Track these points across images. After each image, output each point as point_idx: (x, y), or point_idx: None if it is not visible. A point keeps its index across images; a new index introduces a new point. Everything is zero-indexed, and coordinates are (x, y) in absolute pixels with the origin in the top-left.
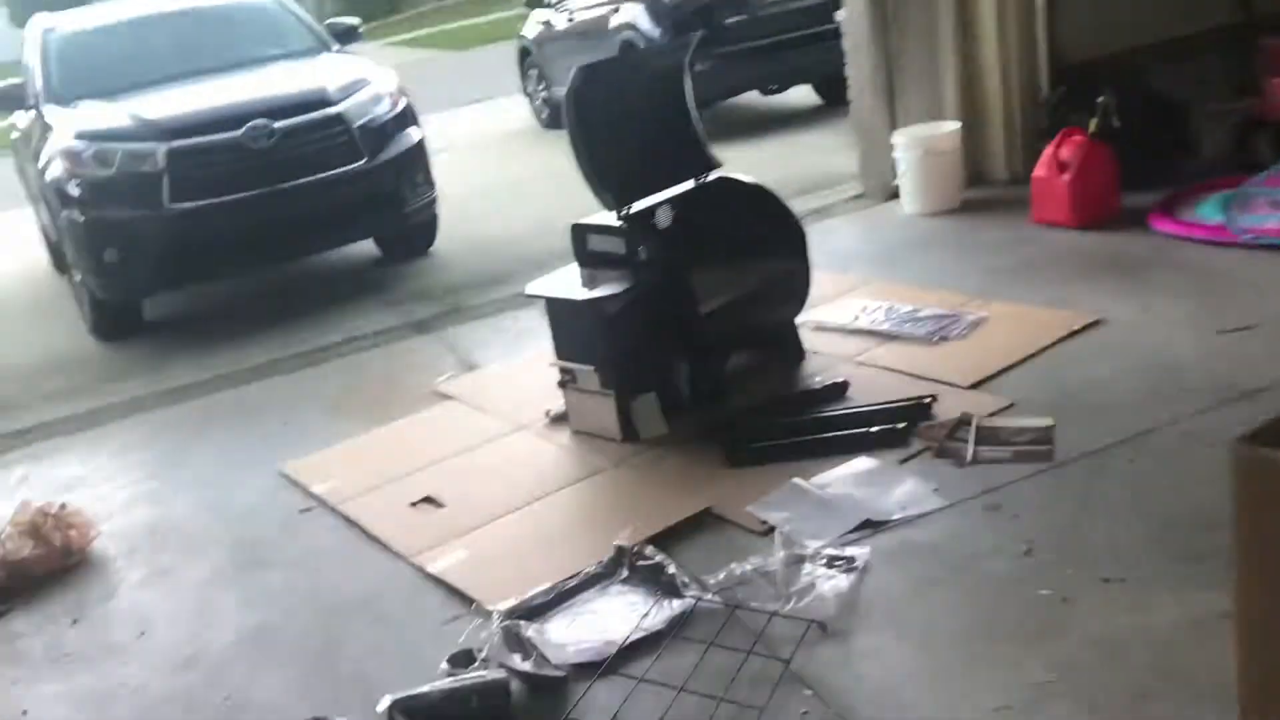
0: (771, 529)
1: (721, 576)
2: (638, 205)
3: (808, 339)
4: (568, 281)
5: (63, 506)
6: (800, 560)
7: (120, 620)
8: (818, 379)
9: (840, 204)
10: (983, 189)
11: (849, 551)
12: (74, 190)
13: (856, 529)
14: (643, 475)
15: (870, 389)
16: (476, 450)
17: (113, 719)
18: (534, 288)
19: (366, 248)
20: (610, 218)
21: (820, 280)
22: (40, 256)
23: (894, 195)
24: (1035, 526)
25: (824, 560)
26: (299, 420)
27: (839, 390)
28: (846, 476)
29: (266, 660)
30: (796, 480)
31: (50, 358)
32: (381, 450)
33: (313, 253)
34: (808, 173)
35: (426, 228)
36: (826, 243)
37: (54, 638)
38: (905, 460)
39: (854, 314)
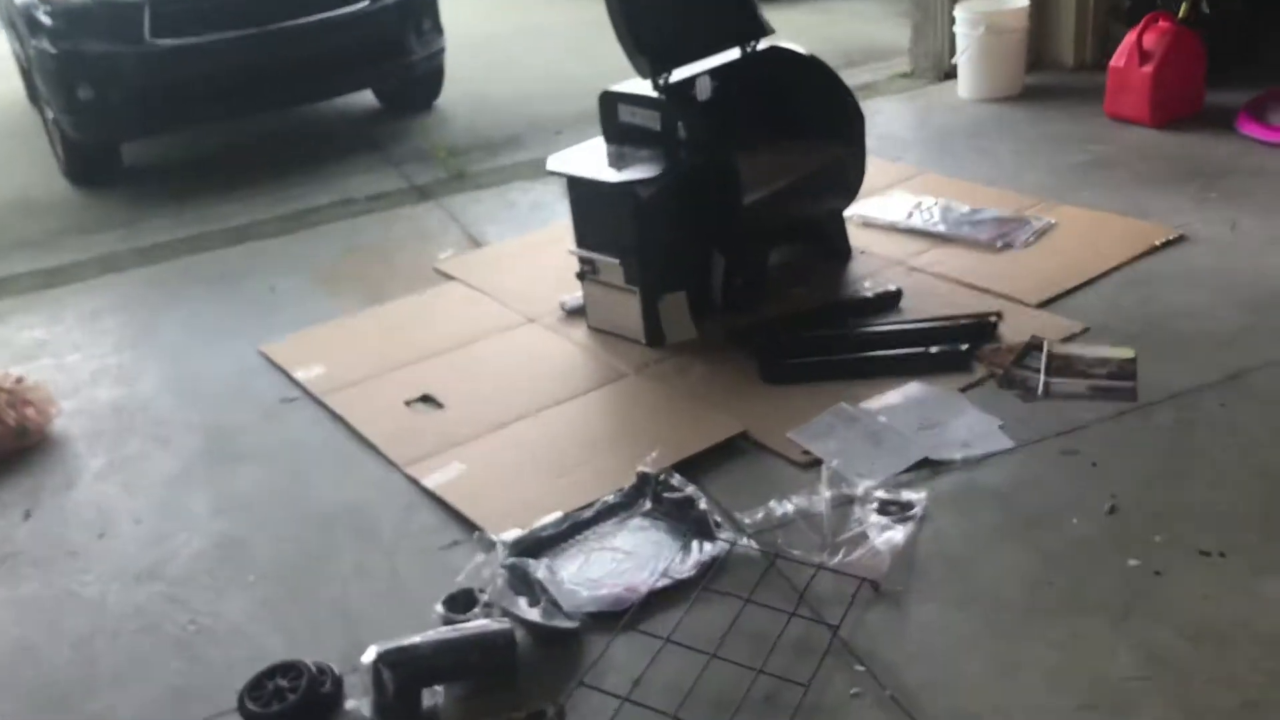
0: (815, 462)
1: (759, 516)
2: (677, 74)
3: (854, 235)
4: (594, 158)
5: (20, 380)
6: (849, 502)
7: (78, 516)
8: (866, 285)
9: (886, 82)
10: (1045, 75)
11: (905, 495)
12: (44, 18)
13: (912, 468)
14: (668, 386)
15: (925, 300)
16: (480, 343)
17: (63, 635)
18: (556, 163)
19: (365, 98)
20: (645, 87)
21: (868, 169)
22: (15, 85)
23: (948, 76)
24: (1118, 479)
25: (875, 504)
26: (285, 291)
27: (891, 300)
28: (900, 404)
29: (237, 577)
30: (844, 405)
31: (19, 200)
32: (374, 334)
33: (307, 102)
34: (848, 44)
35: (431, 80)
36: (873, 125)
37: (4, 533)
38: (967, 388)
39: (906, 210)
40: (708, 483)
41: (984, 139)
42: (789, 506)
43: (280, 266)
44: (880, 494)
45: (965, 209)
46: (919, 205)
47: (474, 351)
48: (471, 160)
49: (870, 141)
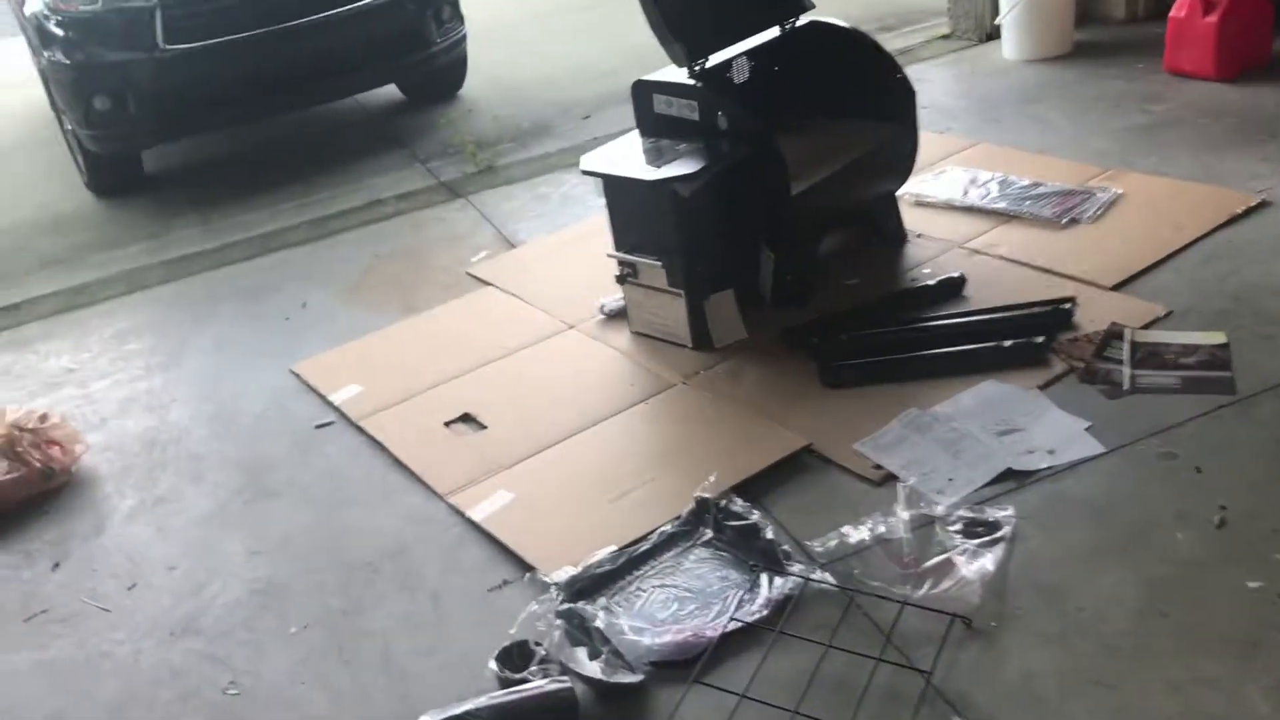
0: (889, 477)
1: (832, 544)
2: (715, 58)
3: (908, 217)
4: (630, 155)
5: (43, 418)
6: (929, 523)
7: (108, 565)
8: (926, 271)
9: (924, 46)
10: (1095, 30)
11: (991, 513)
12: (55, 29)
13: (995, 480)
14: (720, 395)
15: (990, 286)
16: (519, 354)
17: (97, 704)
18: (591, 162)
19: (388, 92)
20: (680, 74)
21: None
22: (40, 95)
23: (991, 37)
24: (1225, 486)
25: (959, 525)
26: (316, 304)
27: (954, 288)
28: (975, 406)
29: (277, 629)
30: (914, 410)
31: (44, 215)
32: (409, 349)
33: (328, 100)
34: (881, 6)
35: (454, 69)
36: (917, 93)
37: (32, 587)
38: (1046, 385)
39: (961, 186)
40: (772, 505)
41: (1036, 103)
42: (864, 532)
43: (310, 277)
44: (964, 513)
45: (1025, 182)
46: (974, 180)
47: (513, 364)
48: (500, 153)
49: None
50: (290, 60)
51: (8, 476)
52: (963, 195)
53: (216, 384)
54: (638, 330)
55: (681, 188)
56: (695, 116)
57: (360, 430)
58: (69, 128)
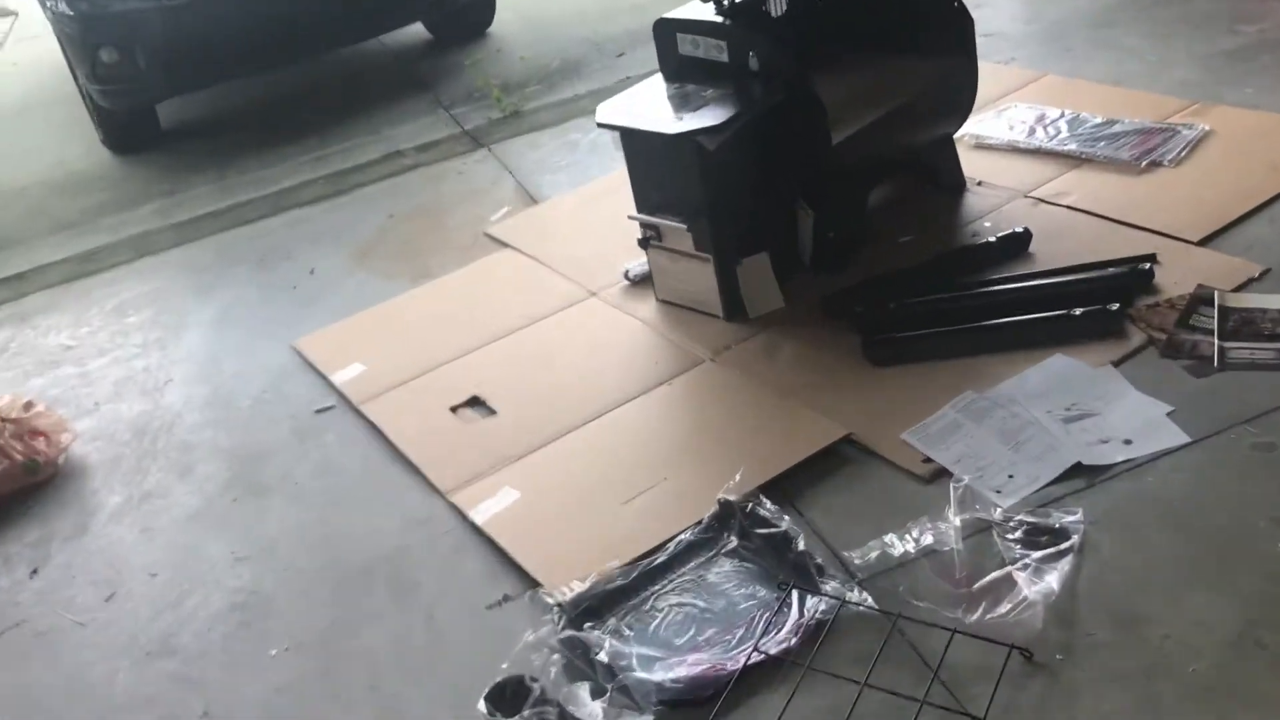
0: (940, 472)
1: (873, 556)
2: None
3: (967, 161)
4: (650, 104)
5: (28, 406)
6: (985, 529)
7: (88, 571)
8: (986, 225)
9: None
10: None
11: (1056, 519)
12: None
13: (1062, 476)
14: (752, 374)
15: (1059, 241)
16: (535, 326)
17: None
18: (607, 113)
19: (414, 30)
20: (708, 10)
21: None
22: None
23: None
24: None
25: (1020, 532)
26: (325, 271)
27: (1018, 245)
28: (1038, 386)
29: (257, 650)
30: (970, 392)
31: (59, 174)
32: (418, 321)
33: (349, 44)
34: None
35: (482, 6)
36: (975, 20)
37: (8, 597)
38: (1121, 360)
39: (1027, 126)
40: (806, 506)
41: (1110, 27)
42: (909, 542)
43: (321, 240)
44: (1025, 517)
45: (1098, 120)
46: (1042, 119)
47: (528, 337)
48: (527, 96)
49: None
50: (307, 4)
51: None
52: (1028, 136)
53: (215, 362)
54: (664, 298)
55: (707, 140)
56: (724, 58)
57: (361, 415)
58: (81, 83)
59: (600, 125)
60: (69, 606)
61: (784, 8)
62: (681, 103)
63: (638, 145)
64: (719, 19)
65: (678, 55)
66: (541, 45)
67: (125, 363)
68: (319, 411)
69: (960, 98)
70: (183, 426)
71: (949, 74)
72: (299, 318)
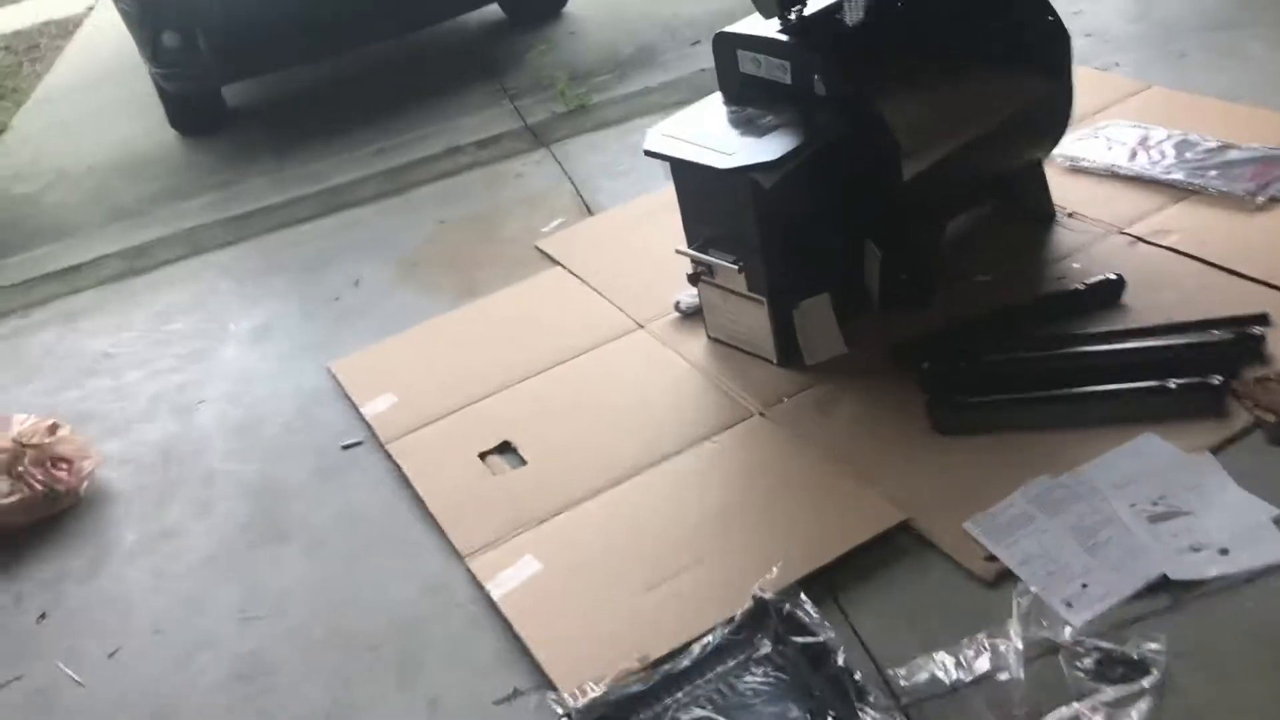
0: (1003, 574)
1: (921, 679)
2: (812, 4)
3: (1058, 186)
4: (705, 128)
5: (53, 429)
6: (1050, 651)
7: (96, 619)
8: (1075, 266)
9: None
10: None
11: (1134, 646)
12: None
13: (1144, 590)
14: (803, 435)
15: (1157, 291)
16: (577, 360)
17: None
18: (656, 141)
19: (488, 9)
20: (773, 24)
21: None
22: None
23: None
24: None
25: (1091, 659)
26: (369, 283)
27: (1109, 293)
28: (1122, 474)
29: None
30: (1044, 479)
31: (125, 154)
32: (457, 347)
33: (419, 28)
34: None
35: None
36: (1073, 21)
37: (17, 640)
38: (1220, 446)
39: (1128, 148)
40: (851, 606)
41: (1230, 30)
42: (963, 668)
43: (371, 245)
44: (1099, 641)
45: (1211, 143)
46: (1145, 140)
47: (568, 373)
48: (595, 87)
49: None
50: None
51: (9, 499)
52: (1129, 160)
53: (250, 382)
54: (716, 336)
55: (763, 178)
56: (788, 79)
57: (387, 453)
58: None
59: (648, 154)
60: (71, 660)
61: (861, 14)
62: (740, 129)
63: (688, 177)
64: (783, 36)
65: (739, 74)
66: (616, 29)
67: (162, 375)
68: (346, 447)
69: (1052, 121)
70: (209, 454)
71: (1040, 96)
72: (338, 335)
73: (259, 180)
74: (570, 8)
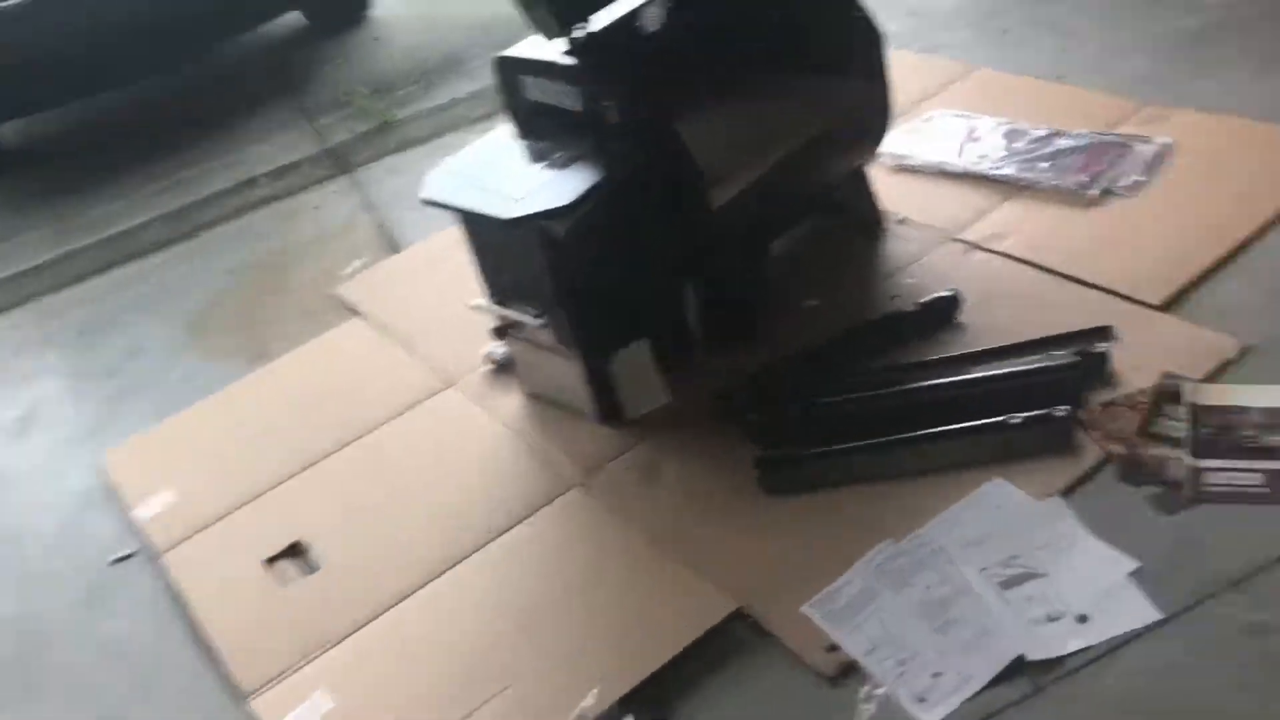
0: (847, 668)
1: None
2: (600, 18)
3: (885, 187)
4: (491, 170)
5: None
6: None
7: None
8: (908, 281)
9: None
10: None
11: None
12: None
13: (1002, 675)
14: (625, 510)
15: (994, 307)
16: (377, 431)
17: None
18: (434, 188)
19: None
20: (556, 48)
21: (893, 68)
22: None
23: None
24: None
25: None
26: (151, 351)
27: (943, 312)
28: (970, 530)
29: None
30: (886, 545)
31: None
32: (243, 425)
33: (212, 44)
34: None
35: None
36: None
37: None
38: (1071, 487)
39: (956, 142)
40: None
41: (1051, 4)
42: None
43: (153, 303)
44: None
45: (1040, 131)
46: (973, 132)
47: (367, 451)
48: (398, 100)
49: (892, 25)
50: (157, 5)
51: None
52: (958, 155)
53: (7, 488)
54: (532, 392)
55: (554, 226)
56: (578, 106)
57: (161, 568)
58: None
59: (426, 202)
60: None
61: (656, 25)
62: (529, 166)
63: (476, 224)
64: (569, 59)
65: (526, 101)
66: (427, 32)
67: None
68: (115, 562)
69: (870, 126)
70: None
71: (856, 104)
72: (114, 418)
73: (35, 233)
74: (378, 10)
